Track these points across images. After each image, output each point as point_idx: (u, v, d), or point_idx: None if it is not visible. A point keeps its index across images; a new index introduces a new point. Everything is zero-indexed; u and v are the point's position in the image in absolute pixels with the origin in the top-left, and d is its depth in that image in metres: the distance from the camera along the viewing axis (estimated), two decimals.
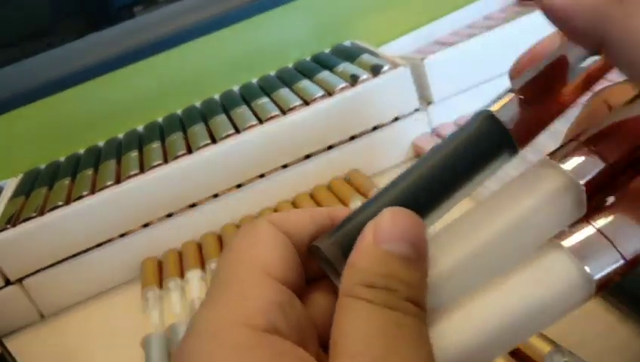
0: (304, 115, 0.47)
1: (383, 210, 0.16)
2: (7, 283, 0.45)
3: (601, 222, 0.15)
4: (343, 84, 0.48)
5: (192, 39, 0.58)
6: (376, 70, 0.49)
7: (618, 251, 0.15)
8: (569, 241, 0.15)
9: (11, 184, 0.54)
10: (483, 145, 0.17)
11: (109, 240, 0.46)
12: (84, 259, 0.45)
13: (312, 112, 0.47)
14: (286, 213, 0.18)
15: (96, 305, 0.46)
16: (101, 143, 0.57)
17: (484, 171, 0.17)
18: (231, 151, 0.46)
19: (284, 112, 0.48)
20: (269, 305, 0.15)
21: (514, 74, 0.19)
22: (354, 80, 0.48)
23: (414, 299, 0.15)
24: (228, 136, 0.47)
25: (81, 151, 0.56)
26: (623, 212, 0.15)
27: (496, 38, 0.48)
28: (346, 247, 0.16)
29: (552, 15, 0.15)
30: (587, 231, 0.15)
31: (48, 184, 0.50)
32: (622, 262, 0.15)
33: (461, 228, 0.16)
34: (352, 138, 0.48)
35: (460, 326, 0.15)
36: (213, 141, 0.47)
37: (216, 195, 0.47)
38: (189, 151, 0.47)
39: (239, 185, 0.47)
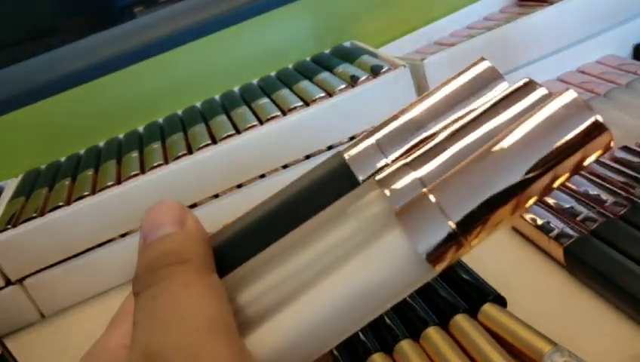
0: (304, 116, 0.47)
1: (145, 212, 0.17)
2: (8, 283, 0.45)
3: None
4: (343, 85, 0.48)
5: (193, 40, 0.59)
6: (375, 71, 0.49)
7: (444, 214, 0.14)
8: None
9: (12, 184, 0.54)
10: (332, 190, 0.16)
11: (110, 240, 0.46)
12: (84, 259, 0.46)
13: (312, 113, 0.47)
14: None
15: (96, 305, 0.46)
16: (101, 144, 0.57)
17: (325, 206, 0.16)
18: (231, 152, 0.46)
19: (284, 113, 0.48)
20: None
21: None
22: (354, 81, 0.48)
23: (175, 260, 0.15)
24: (228, 136, 0.47)
25: (82, 151, 0.57)
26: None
27: (495, 38, 0.48)
28: None
29: None
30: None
31: (49, 184, 0.50)
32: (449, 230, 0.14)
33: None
34: (352, 138, 0.48)
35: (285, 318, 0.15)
36: (214, 141, 0.47)
37: (216, 195, 0.47)
38: (190, 151, 0.47)
39: (239, 186, 0.47)
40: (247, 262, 0.16)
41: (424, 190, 0.14)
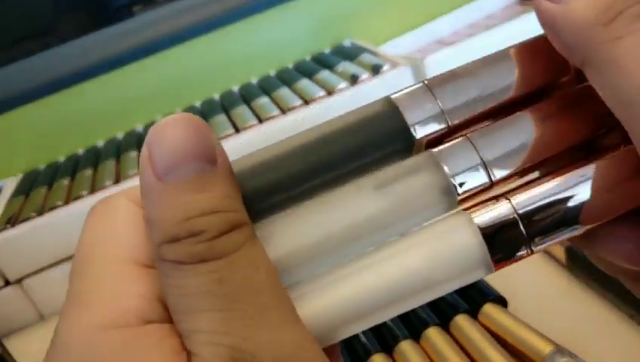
0: (304, 115, 0.46)
1: (150, 129, 0.12)
2: (7, 283, 0.45)
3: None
4: (343, 84, 0.48)
5: (192, 39, 0.58)
6: (376, 70, 0.49)
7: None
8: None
9: (11, 184, 0.54)
10: (374, 130, 0.15)
11: None
12: None
13: (312, 112, 0.47)
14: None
15: None
16: (101, 143, 0.57)
17: (368, 159, 0.15)
18: (231, 152, 0.46)
19: (284, 112, 0.48)
20: (141, 299, 0.12)
21: None
22: (354, 79, 0.48)
23: (230, 224, 0.12)
24: (228, 135, 0.47)
25: (81, 151, 0.56)
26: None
27: (497, 37, 0.48)
28: None
29: (542, 20, 0.14)
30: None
31: (48, 184, 0.50)
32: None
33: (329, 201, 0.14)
34: None
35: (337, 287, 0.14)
36: None
37: None
38: None
39: None
40: (277, 221, 0.14)
41: (502, 196, 0.14)
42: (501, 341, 0.29)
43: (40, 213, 0.45)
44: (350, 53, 0.55)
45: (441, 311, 0.31)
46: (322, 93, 0.48)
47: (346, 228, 0.14)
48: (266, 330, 0.11)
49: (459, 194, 0.14)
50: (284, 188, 0.14)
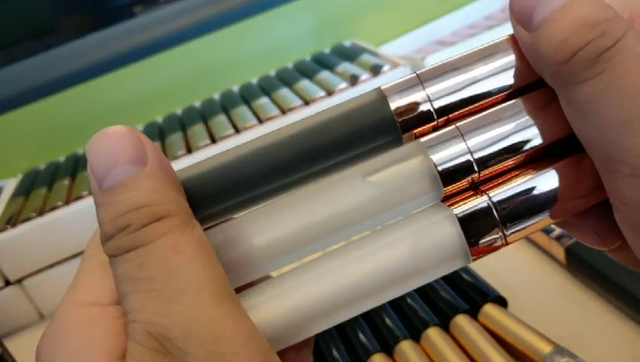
0: (304, 115, 0.46)
1: (86, 146, 0.14)
2: (7, 283, 0.45)
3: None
4: (343, 84, 0.48)
5: (192, 39, 0.58)
6: (376, 70, 0.49)
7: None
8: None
9: (11, 184, 0.54)
10: (361, 120, 0.15)
11: None
12: None
13: (312, 112, 0.46)
14: None
15: None
16: None
17: (356, 150, 0.15)
18: None
19: (284, 112, 0.48)
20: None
21: None
22: (354, 80, 0.48)
23: (152, 216, 0.13)
24: (228, 136, 0.47)
25: (81, 151, 0.56)
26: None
27: (496, 37, 0.48)
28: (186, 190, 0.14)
29: (519, 42, 0.14)
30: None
31: (48, 184, 0.50)
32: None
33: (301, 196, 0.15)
34: None
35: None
36: (213, 141, 0.47)
37: None
38: (189, 151, 0.47)
39: None
40: (247, 213, 0.14)
41: (481, 192, 0.15)
42: (501, 341, 0.29)
43: (40, 213, 0.45)
44: (350, 54, 0.55)
45: (441, 311, 0.31)
46: (322, 93, 0.48)
47: (334, 215, 0.14)
48: (181, 307, 0.12)
49: (445, 184, 0.14)
50: (272, 178, 0.15)
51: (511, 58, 0.15)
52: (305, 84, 0.51)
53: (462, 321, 0.30)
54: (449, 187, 0.14)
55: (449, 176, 0.14)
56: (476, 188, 0.15)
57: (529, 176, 0.15)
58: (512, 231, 0.14)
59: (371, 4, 0.63)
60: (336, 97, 0.47)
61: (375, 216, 0.15)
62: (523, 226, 0.14)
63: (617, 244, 0.15)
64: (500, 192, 0.14)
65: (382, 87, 0.15)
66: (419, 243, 0.14)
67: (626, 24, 0.13)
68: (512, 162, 0.15)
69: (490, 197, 0.14)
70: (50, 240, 0.44)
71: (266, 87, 0.54)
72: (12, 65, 0.58)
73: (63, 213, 0.44)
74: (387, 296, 0.14)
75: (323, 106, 0.47)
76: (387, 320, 0.32)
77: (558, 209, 0.14)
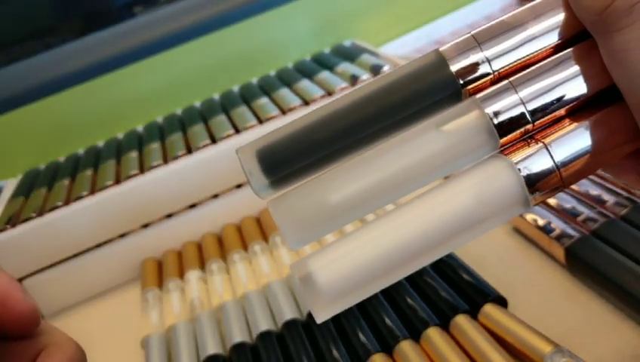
0: None
1: None
2: None
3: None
4: (343, 84, 0.48)
5: (192, 39, 0.58)
6: (376, 70, 0.49)
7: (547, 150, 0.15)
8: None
9: (11, 184, 0.54)
10: (424, 81, 0.16)
11: (109, 241, 0.46)
12: (83, 259, 0.45)
13: None
14: None
15: (96, 306, 0.46)
16: (101, 143, 0.57)
17: (420, 107, 0.16)
18: (231, 152, 0.46)
19: (284, 112, 0.48)
20: None
21: None
22: (354, 80, 0.48)
23: None
24: (228, 136, 0.47)
25: (81, 151, 0.56)
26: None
27: None
28: (265, 153, 0.16)
29: None
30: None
31: (48, 184, 0.50)
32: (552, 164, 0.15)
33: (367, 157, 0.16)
34: None
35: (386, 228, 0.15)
36: (213, 141, 0.47)
37: (216, 195, 0.47)
38: (189, 151, 0.47)
39: (239, 186, 0.47)
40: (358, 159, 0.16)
41: (532, 132, 0.16)
42: (501, 341, 0.29)
43: (40, 213, 0.45)
44: (350, 54, 0.55)
45: (441, 311, 0.31)
46: (322, 93, 0.48)
47: (414, 163, 0.16)
48: None
49: (502, 135, 0.15)
50: (351, 135, 0.16)
51: (559, 12, 0.16)
52: (305, 84, 0.51)
53: (462, 321, 0.30)
54: (507, 137, 0.16)
55: (505, 127, 0.15)
56: (531, 138, 0.16)
57: (579, 124, 0.15)
58: (568, 173, 0.15)
59: (371, 4, 0.63)
60: (336, 97, 0.47)
61: (444, 166, 0.16)
62: (576, 168, 0.15)
63: None
64: (554, 139, 0.15)
65: (440, 49, 0.17)
66: (483, 193, 0.15)
67: None
68: (562, 111, 0.16)
69: (545, 144, 0.15)
70: (50, 240, 0.44)
71: (266, 87, 0.54)
72: (12, 65, 0.58)
73: (62, 213, 0.44)
74: (455, 244, 0.15)
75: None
76: (387, 320, 0.32)
77: (605, 154, 0.15)
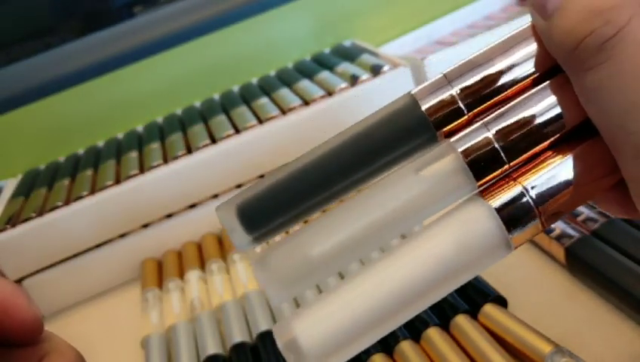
0: (304, 115, 0.47)
1: None
2: None
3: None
4: (343, 84, 0.48)
5: (192, 39, 0.58)
6: (376, 70, 0.49)
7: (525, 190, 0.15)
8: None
9: (11, 184, 0.54)
10: (397, 124, 0.16)
11: (109, 241, 0.46)
12: (83, 259, 0.45)
13: (312, 112, 0.47)
14: None
15: (96, 306, 0.46)
16: (101, 143, 0.57)
17: (397, 152, 0.16)
18: (231, 152, 0.46)
19: (284, 112, 0.48)
20: None
21: None
22: (354, 80, 0.48)
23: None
24: (228, 136, 0.47)
25: (81, 151, 0.56)
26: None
27: (496, 37, 0.48)
28: (245, 210, 0.16)
29: (536, 29, 0.15)
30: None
31: (48, 184, 0.50)
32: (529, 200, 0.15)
33: (341, 211, 0.16)
34: None
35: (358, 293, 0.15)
36: (213, 141, 0.47)
37: (216, 195, 0.47)
38: (189, 151, 0.47)
39: (239, 186, 0.47)
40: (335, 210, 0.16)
41: (512, 178, 0.15)
42: (501, 341, 0.29)
43: (40, 213, 0.45)
44: (350, 54, 0.55)
45: (441, 311, 0.31)
46: (322, 93, 0.48)
47: (394, 210, 0.15)
48: None
49: (478, 176, 0.15)
50: (326, 187, 0.16)
51: (531, 48, 0.16)
52: (305, 84, 0.51)
53: (462, 321, 0.30)
54: (485, 178, 0.15)
55: (481, 168, 0.15)
56: (509, 176, 0.15)
57: (557, 161, 0.15)
58: (548, 212, 0.15)
59: (371, 4, 0.63)
60: (336, 97, 0.47)
61: (424, 210, 0.16)
62: (556, 206, 0.15)
63: None
64: (533, 179, 0.15)
65: (412, 92, 0.16)
66: (464, 243, 0.15)
67: (631, 10, 0.13)
68: (539, 148, 0.15)
69: (523, 186, 0.15)
70: (50, 240, 0.44)
71: (266, 87, 0.54)
72: (12, 65, 0.58)
73: (62, 213, 0.44)
74: (441, 294, 0.15)
75: (323, 106, 0.47)
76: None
77: (585, 188, 0.15)
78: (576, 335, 0.29)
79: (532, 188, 0.15)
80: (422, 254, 0.15)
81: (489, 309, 0.30)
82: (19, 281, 0.45)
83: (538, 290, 0.33)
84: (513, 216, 0.15)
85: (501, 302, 0.31)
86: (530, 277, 0.34)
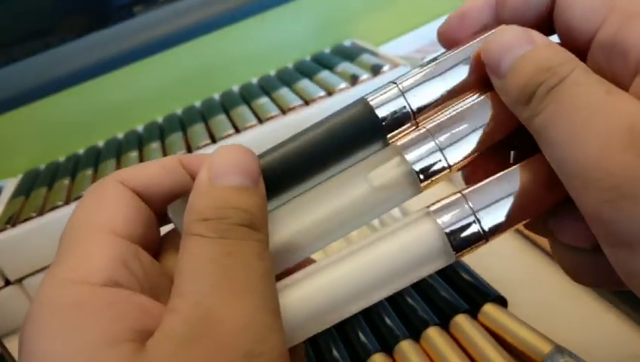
0: (304, 115, 0.47)
1: (217, 149, 0.16)
2: (7, 283, 0.45)
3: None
4: (343, 84, 0.48)
5: (192, 39, 0.58)
6: (376, 70, 0.49)
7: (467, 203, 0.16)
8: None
9: (11, 184, 0.54)
10: (352, 129, 0.17)
11: None
12: None
13: (312, 112, 0.47)
14: (135, 167, 0.17)
15: None
16: (101, 143, 0.57)
17: (350, 155, 0.17)
18: None
19: (284, 112, 0.48)
20: (109, 261, 0.14)
21: (444, 42, 0.19)
22: (354, 80, 0.48)
23: (250, 223, 0.15)
24: (228, 135, 0.47)
25: (81, 151, 0.56)
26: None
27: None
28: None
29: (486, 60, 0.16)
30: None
31: (48, 184, 0.50)
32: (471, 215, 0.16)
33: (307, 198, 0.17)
34: None
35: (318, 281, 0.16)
36: (213, 141, 0.47)
37: None
38: (189, 151, 0.47)
39: None
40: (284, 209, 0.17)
41: (460, 193, 0.16)
42: (501, 341, 0.29)
43: (40, 213, 0.45)
44: (350, 54, 0.55)
45: (441, 311, 0.31)
46: (322, 93, 0.48)
47: (344, 209, 0.17)
48: (244, 306, 0.14)
49: (421, 180, 0.16)
50: (286, 184, 0.17)
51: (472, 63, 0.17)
52: (305, 83, 0.51)
53: (462, 321, 0.30)
54: (430, 180, 0.16)
55: (425, 172, 0.16)
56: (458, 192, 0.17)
57: (499, 174, 0.16)
58: (491, 227, 0.16)
59: (371, 4, 0.63)
60: (336, 97, 0.47)
61: (372, 211, 0.17)
62: (500, 223, 0.16)
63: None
64: (473, 189, 0.16)
65: (365, 97, 0.17)
66: (408, 250, 0.16)
67: (575, 64, 0.15)
68: (480, 157, 0.16)
69: (463, 194, 0.16)
70: (50, 240, 0.44)
71: (266, 87, 0.54)
72: (12, 65, 0.58)
73: (63, 213, 0.44)
74: (378, 295, 0.16)
75: (323, 106, 0.47)
76: (387, 320, 0.32)
77: (525, 205, 0.16)
78: (576, 335, 0.29)
79: (472, 198, 0.16)
80: (365, 260, 0.16)
81: (489, 309, 0.30)
82: (19, 281, 0.45)
83: (538, 290, 0.33)
84: (456, 227, 0.16)
85: (501, 301, 0.31)
86: (530, 277, 0.34)
